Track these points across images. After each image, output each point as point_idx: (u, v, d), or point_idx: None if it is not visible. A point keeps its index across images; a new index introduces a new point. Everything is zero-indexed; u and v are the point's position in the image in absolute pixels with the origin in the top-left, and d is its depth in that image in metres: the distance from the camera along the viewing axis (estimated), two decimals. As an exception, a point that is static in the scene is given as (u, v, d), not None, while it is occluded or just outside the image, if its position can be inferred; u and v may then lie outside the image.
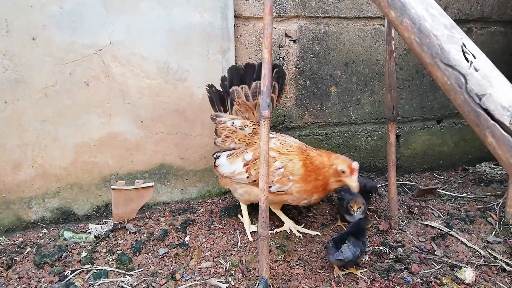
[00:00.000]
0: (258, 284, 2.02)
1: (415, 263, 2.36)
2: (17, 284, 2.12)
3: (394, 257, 2.42)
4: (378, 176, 3.51)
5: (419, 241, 2.61)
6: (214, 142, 2.59)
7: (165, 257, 2.32)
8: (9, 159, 2.47)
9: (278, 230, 2.53)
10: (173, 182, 2.90)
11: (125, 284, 2.10)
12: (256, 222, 2.55)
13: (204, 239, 2.46)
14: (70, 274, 2.18)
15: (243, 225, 2.57)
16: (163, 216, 2.72)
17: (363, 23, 3.21)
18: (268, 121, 1.89)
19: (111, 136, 2.66)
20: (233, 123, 2.50)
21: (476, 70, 1.19)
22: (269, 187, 2.33)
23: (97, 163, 2.67)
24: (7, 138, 2.45)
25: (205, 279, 2.13)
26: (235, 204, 2.81)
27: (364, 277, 2.20)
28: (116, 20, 2.50)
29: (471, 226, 2.77)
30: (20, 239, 2.47)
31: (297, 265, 2.28)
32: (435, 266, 2.38)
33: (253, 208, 2.55)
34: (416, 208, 2.97)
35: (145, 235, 2.48)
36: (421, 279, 2.24)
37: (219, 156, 2.57)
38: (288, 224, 2.57)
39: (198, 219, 2.69)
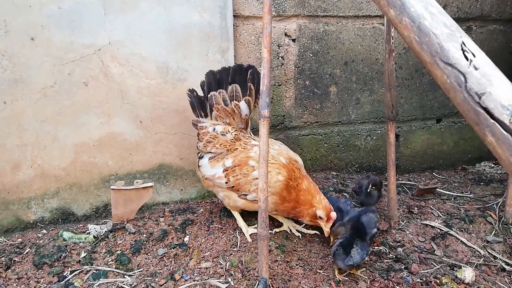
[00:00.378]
0: (258, 284, 2.02)
1: (414, 262, 2.36)
2: (16, 285, 2.11)
3: (394, 256, 2.41)
4: (377, 175, 3.50)
5: (419, 240, 2.60)
6: (197, 147, 2.57)
7: (164, 257, 2.32)
8: (8, 159, 2.47)
9: (277, 230, 2.53)
10: (172, 182, 2.89)
11: (124, 284, 2.09)
12: (254, 223, 2.55)
13: (203, 239, 2.46)
14: (69, 274, 2.18)
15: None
16: (163, 216, 2.72)
17: (363, 22, 3.21)
18: (267, 121, 1.88)
19: (110, 136, 2.66)
20: (214, 128, 2.49)
21: (476, 69, 1.19)
22: (245, 195, 2.35)
23: (96, 163, 2.66)
24: (6, 139, 2.44)
25: (205, 279, 2.12)
26: (235, 204, 2.80)
27: (364, 277, 2.20)
28: (115, 19, 2.49)
29: (471, 226, 2.77)
30: (19, 240, 2.46)
31: (296, 265, 2.27)
32: (434, 265, 2.38)
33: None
34: (416, 208, 2.96)
35: (144, 235, 2.47)
36: (420, 279, 2.24)
37: (202, 156, 2.56)
38: (288, 224, 2.57)
39: (197, 219, 2.68)
